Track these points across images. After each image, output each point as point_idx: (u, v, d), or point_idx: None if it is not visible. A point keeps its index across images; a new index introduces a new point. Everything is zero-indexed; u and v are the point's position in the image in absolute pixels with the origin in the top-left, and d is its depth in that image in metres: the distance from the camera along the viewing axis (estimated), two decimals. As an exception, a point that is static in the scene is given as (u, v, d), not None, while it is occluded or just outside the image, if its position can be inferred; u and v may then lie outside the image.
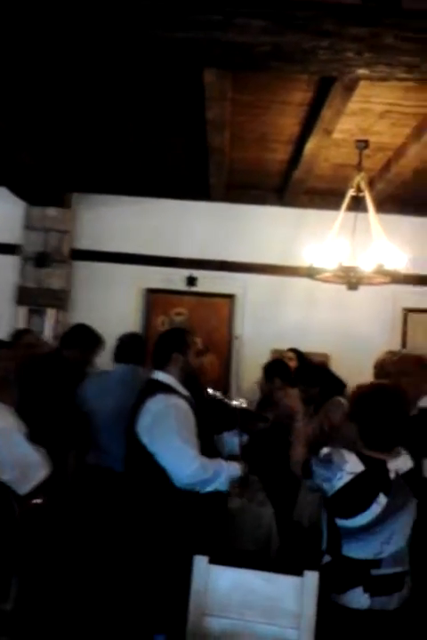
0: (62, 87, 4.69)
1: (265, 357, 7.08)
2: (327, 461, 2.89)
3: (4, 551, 2.61)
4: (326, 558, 2.92)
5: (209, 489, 3.10)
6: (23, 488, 2.62)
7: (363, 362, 5.12)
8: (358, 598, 2.78)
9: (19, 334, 5.81)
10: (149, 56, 3.44)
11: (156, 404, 3.13)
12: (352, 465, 2.83)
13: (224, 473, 3.13)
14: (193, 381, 3.35)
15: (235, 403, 3.60)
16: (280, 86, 4.41)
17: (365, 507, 2.77)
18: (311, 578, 2.56)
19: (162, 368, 3.30)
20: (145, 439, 3.11)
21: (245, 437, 3.78)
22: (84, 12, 3.16)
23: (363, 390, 3.07)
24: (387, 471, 2.82)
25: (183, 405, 3.17)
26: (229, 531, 4.05)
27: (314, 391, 4.80)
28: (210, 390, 3.99)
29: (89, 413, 4.36)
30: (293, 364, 6.05)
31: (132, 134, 5.61)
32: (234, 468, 3.22)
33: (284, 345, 6.58)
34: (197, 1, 2.99)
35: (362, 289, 5.56)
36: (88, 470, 4.39)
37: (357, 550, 2.82)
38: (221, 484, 3.12)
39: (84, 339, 4.82)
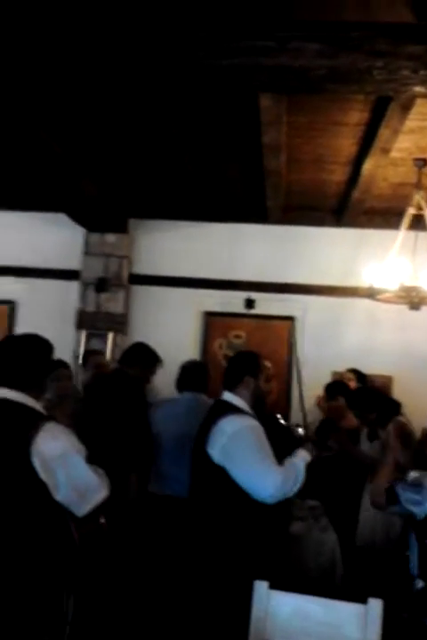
0: (121, 115, 4.79)
1: (326, 380, 7.02)
2: (417, 485, 2.85)
3: (62, 572, 2.61)
4: (420, 583, 2.86)
5: (295, 491, 3.13)
6: (81, 510, 2.59)
7: (427, 383, 5.03)
8: None
9: (87, 355, 5.96)
10: (204, 83, 3.48)
11: (231, 424, 3.11)
12: None
13: (302, 470, 3.14)
14: (261, 405, 3.34)
15: (300, 431, 3.60)
16: (336, 107, 4.39)
17: None
18: (376, 606, 2.49)
19: (232, 389, 3.30)
20: (220, 460, 3.08)
21: None
22: (141, 44, 3.24)
23: None
24: None
25: (257, 425, 3.17)
26: (291, 557, 4.00)
27: (371, 416, 4.74)
28: (279, 416, 3.98)
29: (155, 440, 4.37)
30: (353, 384, 5.96)
31: (189, 160, 5.68)
32: (306, 457, 3.23)
33: (345, 367, 6.46)
34: (249, 28, 3.02)
35: (425, 309, 5.46)
36: (150, 498, 4.39)
37: None
38: (301, 481, 3.14)
39: (144, 356, 4.92)
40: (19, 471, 2.50)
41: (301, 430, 3.61)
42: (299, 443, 3.52)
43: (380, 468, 3.24)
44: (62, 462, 2.53)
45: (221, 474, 3.08)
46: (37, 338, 2.83)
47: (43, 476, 2.49)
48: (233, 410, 3.19)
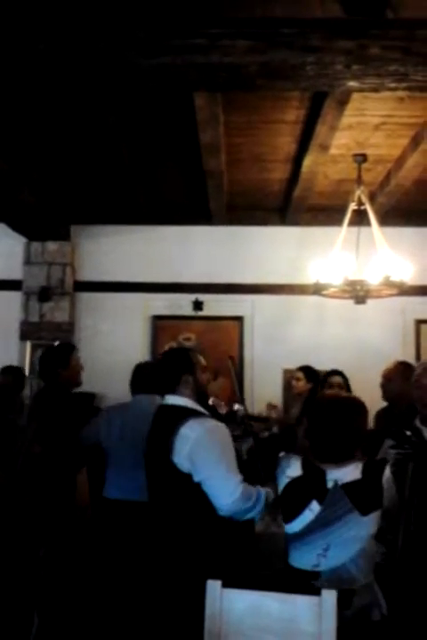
0: (57, 121, 4.71)
1: (277, 378, 7.04)
2: (279, 465, 2.92)
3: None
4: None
5: (247, 518, 3.05)
6: None
7: (377, 376, 5.06)
8: None
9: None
10: (134, 83, 3.42)
11: (193, 430, 3.00)
12: (292, 469, 2.85)
13: (262, 502, 3.06)
14: (203, 399, 3.26)
15: (236, 407, 3.57)
16: (272, 106, 4.40)
17: (297, 512, 2.75)
18: (330, 596, 2.46)
19: (173, 392, 3.18)
20: (187, 467, 2.98)
21: (250, 441, 3.77)
22: (73, 45, 3.16)
23: (316, 401, 3.13)
24: (324, 480, 2.75)
25: (221, 426, 3.09)
26: (254, 555, 3.98)
27: None
28: (210, 401, 3.94)
29: (110, 447, 4.27)
30: (301, 384, 5.94)
31: (128, 163, 5.60)
32: (269, 495, 3.15)
33: (295, 364, 6.40)
34: (179, 26, 2.97)
35: (372, 303, 5.50)
36: (106, 503, 4.28)
37: (297, 559, 2.78)
38: (257, 513, 3.07)
39: (63, 355, 4.58)
40: None
41: (241, 408, 3.57)
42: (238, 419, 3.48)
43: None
44: None
45: (187, 481, 2.99)
46: None
47: None
48: (191, 414, 3.08)
